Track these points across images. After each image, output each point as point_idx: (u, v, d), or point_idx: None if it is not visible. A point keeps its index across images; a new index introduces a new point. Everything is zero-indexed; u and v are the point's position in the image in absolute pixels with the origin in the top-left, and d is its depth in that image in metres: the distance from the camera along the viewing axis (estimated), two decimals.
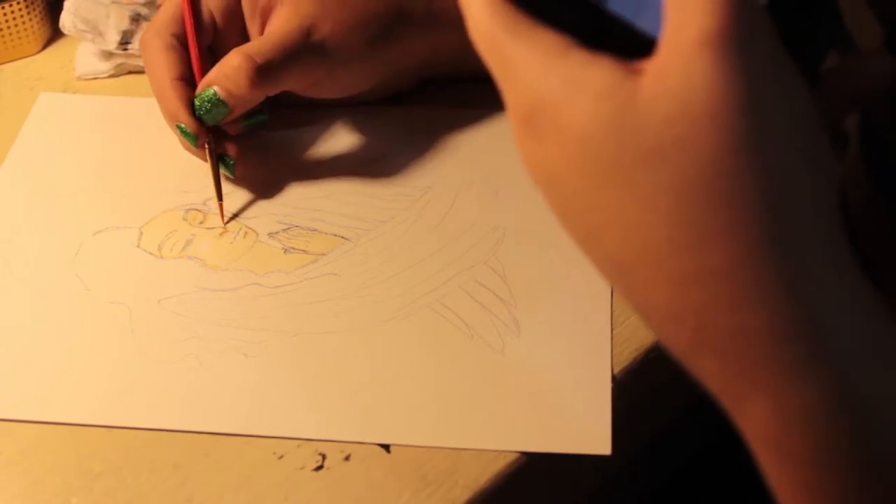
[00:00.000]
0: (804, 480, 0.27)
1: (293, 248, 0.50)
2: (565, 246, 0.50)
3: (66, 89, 0.59)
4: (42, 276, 0.49)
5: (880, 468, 0.27)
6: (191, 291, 0.48)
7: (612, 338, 0.46)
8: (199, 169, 0.53)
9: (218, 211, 0.52)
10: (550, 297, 0.47)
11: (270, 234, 0.51)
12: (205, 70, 0.50)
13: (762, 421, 0.27)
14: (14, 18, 0.60)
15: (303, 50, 0.50)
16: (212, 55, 0.52)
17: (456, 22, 0.54)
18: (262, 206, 0.52)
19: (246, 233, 0.51)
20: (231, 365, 0.45)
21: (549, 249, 0.49)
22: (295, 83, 0.51)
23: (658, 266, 0.27)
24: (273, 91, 0.50)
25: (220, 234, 0.51)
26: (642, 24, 0.27)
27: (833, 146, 0.28)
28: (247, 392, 0.44)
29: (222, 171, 0.51)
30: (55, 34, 0.62)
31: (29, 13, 0.60)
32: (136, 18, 0.60)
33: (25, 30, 0.60)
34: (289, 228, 0.51)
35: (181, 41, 0.51)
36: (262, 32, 0.52)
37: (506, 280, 0.48)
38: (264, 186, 0.53)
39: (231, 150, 0.51)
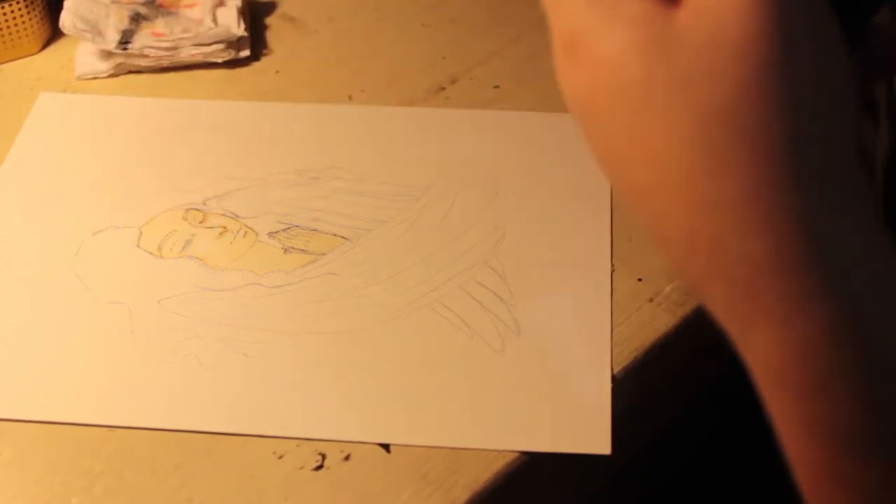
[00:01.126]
0: (805, 412, 0.28)
1: (293, 248, 0.50)
2: (565, 246, 0.50)
3: (66, 89, 0.59)
4: (42, 276, 0.49)
5: (881, 404, 0.27)
6: (191, 291, 0.48)
7: (611, 338, 0.46)
8: (199, 169, 0.53)
9: (217, 210, 0.52)
10: (550, 297, 0.47)
11: (270, 234, 0.51)
12: None
13: (765, 350, 0.28)
14: (14, 18, 0.60)
15: None
16: None
17: None
18: (262, 206, 0.52)
19: (246, 233, 0.51)
20: (231, 365, 0.45)
21: (549, 249, 0.49)
22: None
23: (678, 191, 0.27)
24: None
25: (220, 234, 0.51)
26: None
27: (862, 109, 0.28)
28: (247, 392, 0.44)
29: None
30: (55, 34, 0.62)
31: (29, 13, 0.60)
32: (136, 18, 0.60)
33: (25, 30, 0.60)
34: (289, 228, 0.51)
35: None
36: None
37: (506, 280, 0.48)
38: (264, 187, 0.53)
39: None
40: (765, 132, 0.26)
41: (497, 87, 0.58)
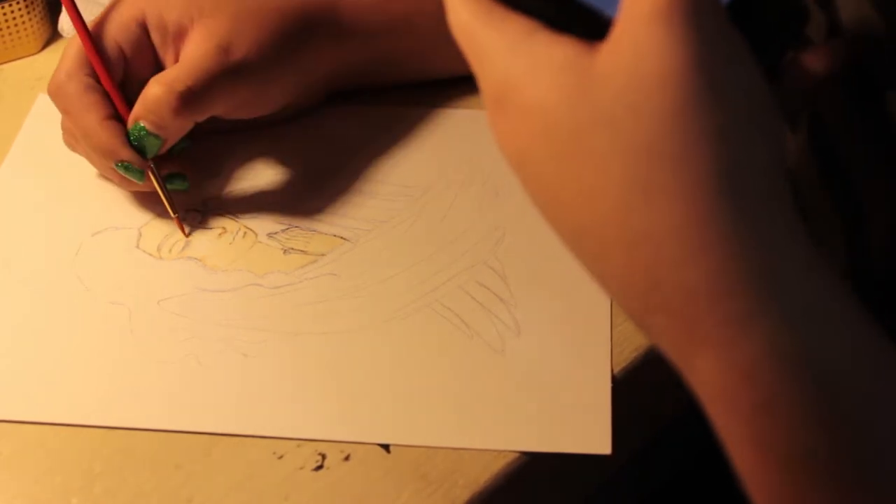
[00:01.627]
0: (751, 434, 0.28)
1: (292, 249, 0.50)
2: (565, 246, 0.50)
3: None
4: (42, 277, 0.49)
5: (828, 422, 0.27)
6: (190, 292, 0.48)
7: (611, 337, 0.46)
8: (199, 168, 0.53)
9: (216, 211, 0.52)
10: (550, 297, 0.47)
11: (270, 235, 0.51)
12: (127, 105, 0.49)
13: (709, 375, 0.28)
14: (14, 18, 0.60)
15: (222, 71, 0.49)
16: (123, 90, 0.50)
17: (360, 34, 0.54)
18: (262, 206, 0.52)
19: (245, 233, 0.51)
20: (231, 365, 0.45)
21: (549, 249, 0.49)
22: (219, 106, 0.50)
23: (612, 229, 0.28)
24: (200, 117, 0.49)
25: (220, 235, 0.51)
26: (609, 10, 0.29)
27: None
28: (247, 392, 0.44)
29: (175, 186, 0.50)
30: (55, 34, 0.62)
31: (29, 13, 0.60)
32: None
33: (25, 30, 0.60)
34: (288, 229, 0.51)
35: (97, 80, 0.49)
36: (176, 59, 0.50)
37: (506, 280, 0.48)
38: (264, 187, 0.53)
39: (176, 167, 0.50)
40: (691, 162, 0.27)
41: None
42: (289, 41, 0.51)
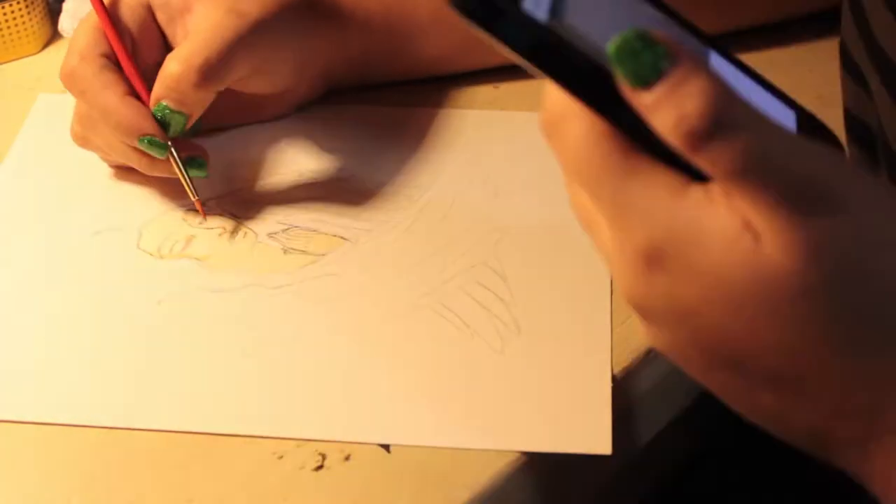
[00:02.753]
0: None
1: (293, 249, 0.50)
2: (565, 245, 0.50)
3: (65, 89, 0.59)
4: (42, 277, 0.49)
5: None
6: (191, 292, 0.48)
7: (611, 338, 0.46)
8: None
9: (216, 211, 0.52)
10: (550, 297, 0.47)
11: (270, 235, 0.51)
12: (146, 83, 0.49)
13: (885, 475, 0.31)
14: (14, 18, 0.60)
15: (237, 35, 0.48)
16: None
17: (359, 18, 0.54)
18: (262, 206, 0.52)
19: (245, 233, 0.51)
20: (231, 365, 0.45)
21: (549, 249, 0.49)
22: (237, 71, 0.49)
23: (822, 379, 0.30)
24: (221, 86, 0.49)
25: (220, 235, 0.51)
26: None
27: None
28: (247, 392, 0.44)
29: (195, 172, 0.50)
30: (55, 34, 0.62)
31: (29, 13, 0.60)
32: None
33: (25, 30, 0.60)
34: (288, 229, 0.51)
35: (112, 60, 0.49)
36: (184, 35, 0.50)
37: (505, 280, 0.48)
38: (264, 187, 0.53)
39: (196, 149, 0.50)
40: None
41: (497, 87, 0.58)
42: (291, 9, 0.51)
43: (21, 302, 0.48)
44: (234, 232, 0.51)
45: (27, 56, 0.61)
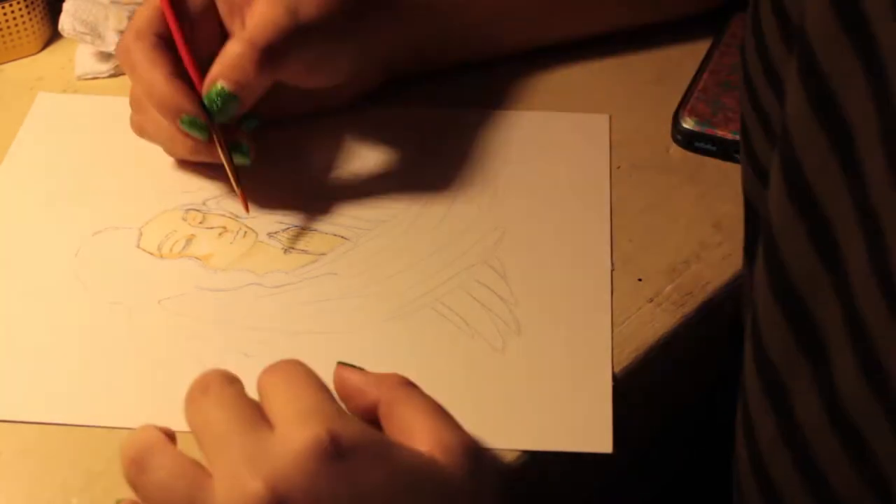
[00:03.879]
0: None
1: (293, 248, 0.50)
2: (565, 245, 0.50)
3: (65, 89, 0.59)
4: (41, 277, 0.49)
5: None
6: (191, 292, 0.48)
7: (612, 337, 0.46)
8: (199, 169, 0.53)
9: (216, 211, 0.52)
10: (551, 296, 0.47)
11: (270, 234, 0.51)
12: (198, 66, 0.49)
13: None
14: (14, 18, 0.60)
15: (295, 30, 0.49)
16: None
17: (421, 9, 0.54)
18: (262, 205, 0.52)
19: (246, 233, 0.51)
20: (232, 365, 0.45)
21: (549, 248, 0.50)
22: (294, 65, 0.50)
23: None
24: (279, 75, 0.49)
25: (220, 235, 0.51)
26: None
27: None
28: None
29: (238, 159, 0.50)
30: (55, 34, 0.62)
31: (29, 13, 0.60)
32: None
33: (25, 30, 0.60)
34: (288, 228, 0.51)
35: (166, 40, 0.50)
36: (244, 25, 0.50)
37: (506, 279, 0.48)
38: (264, 187, 0.53)
39: (241, 136, 0.50)
40: None
41: (497, 87, 0.58)
42: (352, 6, 0.51)
43: (21, 302, 0.48)
44: (234, 231, 0.51)
45: (27, 56, 0.61)
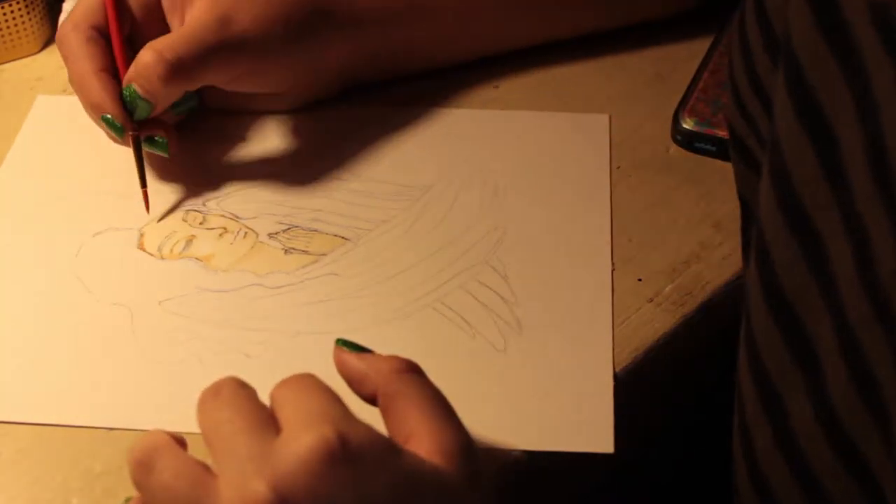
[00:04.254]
0: None
1: (293, 249, 0.50)
2: (566, 244, 0.50)
3: (65, 89, 0.59)
4: (42, 279, 0.49)
5: None
6: (192, 292, 0.48)
7: (612, 336, 0.46)
8: (198, 169, 0.53)
9: (217, 212, 0.52)
10: (552, 296, 0.47)
11: (270, 235, 0.51)
12: (128, 62, 0.50)
13: None
14: (14, 18, 0.60)
15: (220, 43, 0.49)
16: (131, 47, 0.51)
17: (377, 21, 0.54)
18: (262, 206, 0.52)
19: (246, 233, 0.51)
20: (233, 366, 0.45)
21: (550, 248, 0.50)
22: (213, 77, 0.50)
23: None
24: (191, 86, 0.50)
25: (220, 235, 0.51)
26: None
27: None
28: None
29: (156, 151, 0.50)
30: (55, 34, 0.61)
31: (29, 13, 0.60)
32: None
33: (25, 30, 0.60)
34: (289, 229, 0.51)
35: (102, 33, 0.50)
36: (182, 23, 0.51)
37: (507, 279, 0.48)
38: (264, 187, 0.53)
39: (159, 131, 0.50)
40: None
41: (497, 87, 0.58)
42: (297, 23, 0.51)
43: (22, 304, 0.48)
44: (234, 232, 0.51)
45: (27, 56, 0.61)
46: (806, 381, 0.31)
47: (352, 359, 0.38)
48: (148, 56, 0.48)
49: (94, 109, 0.50)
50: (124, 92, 0.49)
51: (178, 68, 0.48)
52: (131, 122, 0.50)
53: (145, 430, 0.42)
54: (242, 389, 0.35)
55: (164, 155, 0.51)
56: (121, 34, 0.50)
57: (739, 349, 0.36)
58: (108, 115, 0.49)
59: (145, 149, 0.51)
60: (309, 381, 0.35)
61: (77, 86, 0.50)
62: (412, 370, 0.37)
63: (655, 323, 0.47)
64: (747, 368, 0.35)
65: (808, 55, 0.30)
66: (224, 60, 0.50)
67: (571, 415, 0.43)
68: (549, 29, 0.58)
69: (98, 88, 0.49)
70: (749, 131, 0.38)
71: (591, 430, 0.42)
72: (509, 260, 0.49)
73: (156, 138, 0.50)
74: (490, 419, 0.43)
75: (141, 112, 0.49)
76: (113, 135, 0.50)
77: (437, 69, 0.57)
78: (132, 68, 0.49)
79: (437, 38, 0.56)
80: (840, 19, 0.28)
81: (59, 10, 0.60)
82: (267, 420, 0.34)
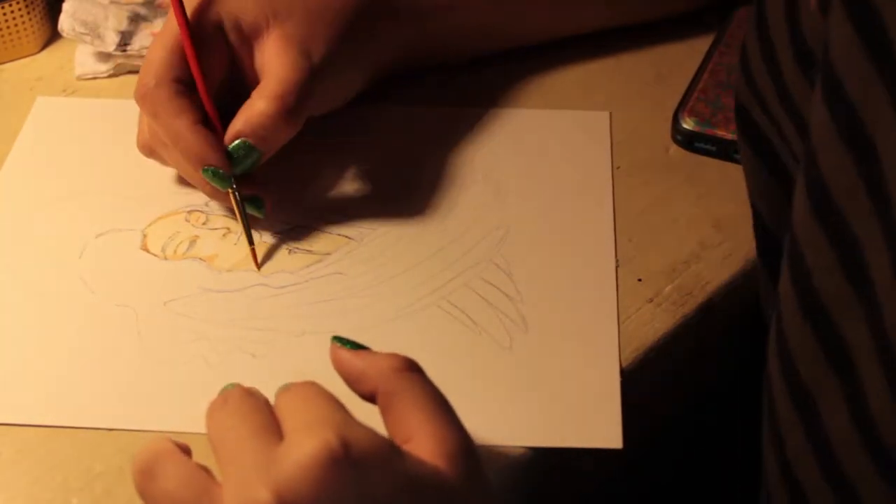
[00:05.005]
0: None
1: (298, 248, 0.50)
2: (569, 241, 0.50)
3: (65, 89, 0.59)
4: (46, 280, 0.49)
5: None
6: (196, 293, 0.48)
7: (618, 333, 0.46)
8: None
9: (222, 213, 0.52)
10: (556, 293, 0.48)
11: (275, 234, 0.51)
12: (218, 112, 0.49)
13: None
14: (14, 18, 0.60)
15: (313, 76, 0.49)
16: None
17: (417, 15, 0.55)
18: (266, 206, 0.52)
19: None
20: (238, 366, 0.45)
21: (554, 245, 0.50)
22: (313, 111, 0.51)
23: None
24: (302, 122, 0.50)
25: (224, 235, 0.51)
26: None
27: None
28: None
29: (252, 211, 0.50)
30: (55, 34, 0.61)
31: (29, 13, 0.60)
32: (135, 19, 0.60)
33: (25, 30, 0.60)
34: (293, 228, 0.51)
35: (186, 85, 0.49)
36: (251, 58, 0.50)
37: (511, 276, 0.48)
38: (268, 186, 0.53)
39: (258, 188, 0.50)
40: None
41: (497, 86, 0.58)
42: (356, 35, 0.51)
43: (24, 305, 0.48)
44: (237, 232, 0.51)
45: (27, 56, 0.61)
46: (842, 388, 0.31)
47: (349, 356, 0.38)
48: (265, 105, 0.47)
49: (195, 163, 0.48)
50: (233, 148, 0.48)
51: (297, 110, 0.48)
52: (231, 177, 0.48)
53: (153, 432, 0.43)
54: (249, 398, 0.35)
55: (260, 216, 0.50)
56: (206, 85, 0.49)
57: (769, 352, 0.36)
58: (212, 167, 0.48)
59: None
60: (311, 389, 0.35)
61: (174, 141, 0.48)
62: (412, 369, 0.37)
63: (655, 323, 0.47)
64: (780, 374, 0.35)
65: (847, 69, 0.30)
66: (320, 91, 0.50)
67: (579, 411, 0.43)
68: (559, 24, 0.58)
69: (200, 141, 0.47)
70: (755, 103, 0.38)
71: (600, 426, 0.42)
72: (513, 257, 0.49)
73: (257, 197, 0.49)
74: (498, 416, 0.43)
75: (249, 164, 0.48)
76: (211, 189, 0.49)
77: (436, 67, 0.57)
78: (243, 122, 0.48)
79: (475, 29, 0.56)
80: (887, 39, 0.28)
81: (59, 10, 0.60)
82: (272, 427, 0.34)
